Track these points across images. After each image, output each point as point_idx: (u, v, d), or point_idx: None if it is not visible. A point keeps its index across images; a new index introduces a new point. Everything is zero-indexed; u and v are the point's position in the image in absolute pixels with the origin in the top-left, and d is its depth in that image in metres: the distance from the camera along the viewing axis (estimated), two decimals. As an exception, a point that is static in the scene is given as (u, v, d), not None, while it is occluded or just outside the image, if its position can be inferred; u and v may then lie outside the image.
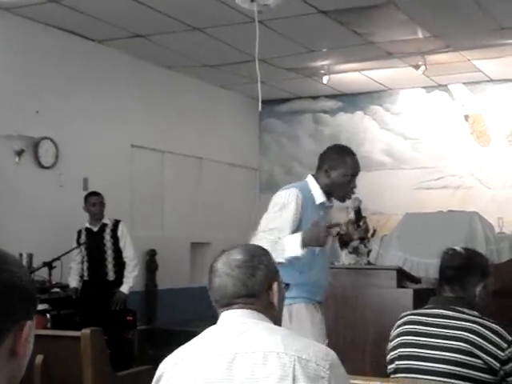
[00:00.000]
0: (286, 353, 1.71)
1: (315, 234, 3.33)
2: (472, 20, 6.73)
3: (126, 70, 7.95)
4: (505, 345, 2.41)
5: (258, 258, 1.96)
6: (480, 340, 2.41)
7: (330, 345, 3.37)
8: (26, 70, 6.71)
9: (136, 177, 8.05)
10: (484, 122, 9.14)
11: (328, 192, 3.57)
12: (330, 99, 9.99)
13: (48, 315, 5.61)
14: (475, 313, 2.52)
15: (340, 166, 3.56)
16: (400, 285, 4.95)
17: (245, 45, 6.99)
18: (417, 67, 8.22)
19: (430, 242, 5.28)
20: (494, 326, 2.46)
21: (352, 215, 3.79)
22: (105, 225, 6.34)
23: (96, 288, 6.25)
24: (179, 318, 8.05)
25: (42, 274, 5.78)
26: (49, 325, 5.56)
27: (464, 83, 9.15)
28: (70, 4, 6.28)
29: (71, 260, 6.26)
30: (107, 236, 6.32)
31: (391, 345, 2.64)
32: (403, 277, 5.07)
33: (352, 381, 1.92)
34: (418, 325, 2.57)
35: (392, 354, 2.61)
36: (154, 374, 1.90)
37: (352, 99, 9.84)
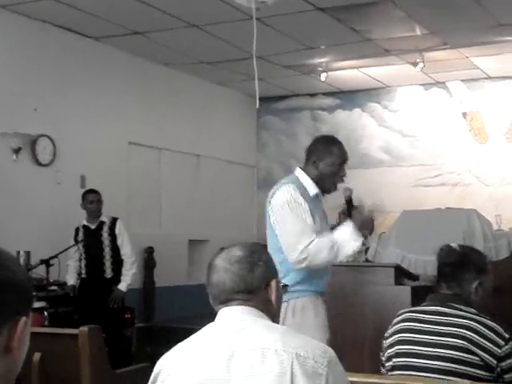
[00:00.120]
0: (285, 350, 1.72)
1: (363, 220, 3.41)
2: (470, 17, 6.73)
3: (124, 67, 7.94)
4: (502, 342, 2.41)
5: (258, 255, 1.96)
6: (477, 337, 2.41)
7: (329, 341, 3.38)
8: (23, 67, 6.69)
9: (133, 174, 8.04)
10: (482, 120, 9.14)
11: (318, 183, 3.56)
12: (328, 96, 9.99)
13: (46, 313, 5.61)
14: (472, 310, 2.52)
15: (327, 156, 3.56)
16: (398, 282, 4.95)
17: (242, 42, 6.99)
18: (415, 64, 8.22)
19: (427, 240, 5.28)
20: (491, 323, 2.46)
21: (344, 206, 3.78)
22: (102, 222, 6.33)
23: (94, 286, 6.24)
24: (177, 315, 8.05)
25: (40, 271, 5.77)
26: (46, 322, 5.55)
27: (462, 80, 9.16)
28: (67, 1, 6.27)
29: (69, 258, 6.26)
30: (105, 234, 6.32)
31: (388, 342, 2.63)
32: (401, 274, 5.07)
33: (350, 378, 1.92)
34: (415, 322, 2.57)
35: (389, 351, 2.61)
36: (152, 371, 1.90)
37: (350, 96, 9.84)
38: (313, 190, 3.55)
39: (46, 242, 6.27)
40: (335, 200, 3.98)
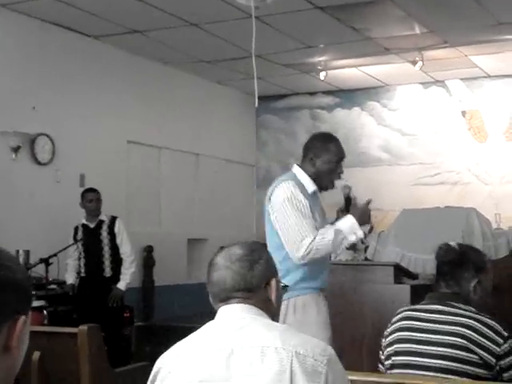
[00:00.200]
0: (284, 348, 1.72)
1: (363, 214, 3.44)
2: (469, 15, 6.73)
3: (123, 66, 7.93)
4: (501, 340, 2.41)
5: (258, 254, 1.97)
6: (476, 335, 2.41)
7: (331, 339, 3.38)
8: (22, 66, 6.69)
9: (132, 173, 8.04)
10: (481, 118, 9.14)
11: (315, 180, 3.58)
12: (327, 95, 9.99)
13: (45, 312, 5.60)
14: (471, 308, 2.52)
15: (324, 153, 3.57)
16: (397, 281, 4.96)
17: (242, 41, 6.99)
18: (414, 63, 8.22)
19: (427, 238, 5.28)
20: (490, 321, 2.46)
21: (342, 203, 3.82)
22: (102, 221, 6.33)
23: (93, 284, 6.24)
24: (176, 314, 8.05)
25: (39, 270, 5.77)
26: (46, 321, 5.55)
27: (461, 79, 9.16)
28: (67, 0, 6.26)
29: (68, 256, 6.25)
30: (104, 232, 6.31)
31: (387, 340, 2.63)
32: (400, 273, 5.07)
33: (349, 376, 1.92)
34: (414, 320, 2.57)
35: (388, 349, 2.61)
36: (151, 370, 1.90)
37: (349, 95, 9.84)
38: (311, 187, 3.56)
39: (45, 241, 6.27)
40: (333, 197, 4.00)
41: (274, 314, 1.94)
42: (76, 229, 6.30)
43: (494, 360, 2.40)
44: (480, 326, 2.43)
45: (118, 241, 6.33)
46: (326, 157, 3.56)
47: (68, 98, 7.15)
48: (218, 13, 6.59)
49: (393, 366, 2.57)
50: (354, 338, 4.66)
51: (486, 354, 2.39)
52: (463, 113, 9.24)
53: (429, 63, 8.22)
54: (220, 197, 9.43)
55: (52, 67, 7.00)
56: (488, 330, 2.42)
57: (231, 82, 9.35)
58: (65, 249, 6.01)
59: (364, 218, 3.47)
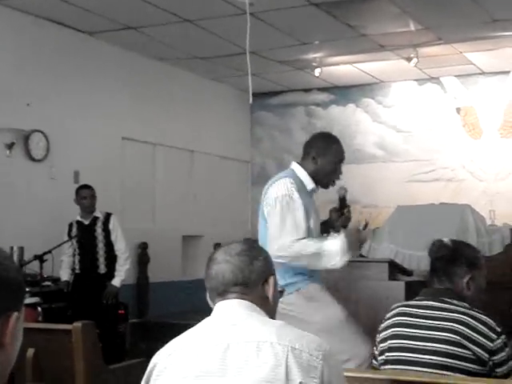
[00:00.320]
0: (280, 343, 1.73)
1: (352, 241, 3.46)
2: (464, 12, 6.73)
3: (117, 63, 7.91)
4: (494, 336, 2.42)
5: (258, 251, 2.00)
6: (469, 331, 2.42)
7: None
8: (16, 62, 6.67)
9: (127, 169, 8.02)
10: (476, 115, 9.15)
11: (315, 178, 3.63)
12: (322, 92, 9.99)
13: (39, 308, 5.59)
14: (465, 304, 2.53)
15: (327, 153, 3.64)
16: (392, 277, 4.97)
17: (236, 37, 6.97)
18: (409, 60, 8.22)
19: (421, 235, 5.29)
20: (484, 317, 2.46)
21: (337, 203, 3.86)
22: (96, 218, 6.32)
23: (87, 281, 6.23)
24: (171, 310, 8.05)
25: (34, 267, 5.76)
26: (40, 318, 5.54)
27: (456, 76, 9.16)
28: (61, -4, 6.25)
29: (62, 253, 6.24)
30: (99, 229, 6.30)
31: (381, 336, 2.64)
32: (395, 269, 5.08)
33: (344, 372, 1.92)
34: (408, 316, 2.57)
35: (382, 345, 2.62)
36: (146, 367, 1.89)
37: (344, 92, 9.84)
38: (310, 184, 3.61)
39: (40, 238, 6.25)
40: (327, 195, 4.01)
41: (270, 313, 1.95)
42: (70, 225, 6.30)
43: (487, 355, 2.40)
44: (473, 321, 2.44)
45: (113, 237, 6.32)
46: (328, 157, 3.63)
47: (62, 94, 7.13)
48: (212, 9, 6.58)
49: (386, 362, 2.58)
50: (349, 334, 4.66)
51: (479, 350, 2.40)
52: (458, 109, 9.25)
53: (424, 60, 8.22)
54: (215, 193, 9.42)
55: (46, 63, 6.98)
56: (481, 326, 2.43)
57: (226, 78, 9.34)
58: (59, 245, 6.00)
59: (355, 245, 3.50)
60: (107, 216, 6.36)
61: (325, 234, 3.70)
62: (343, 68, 8.85)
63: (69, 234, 6.25)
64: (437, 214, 6.59)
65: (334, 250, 3.42)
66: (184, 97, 8.96)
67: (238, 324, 1.81)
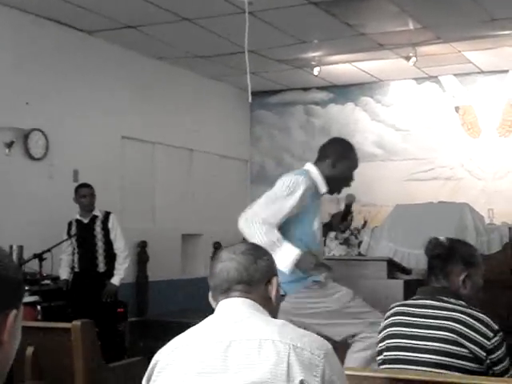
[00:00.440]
0: (281, 341, 1.74)
1: (310, 262, 3.54)
2: (463, 11, 6.74)
3: (116, 61, 7.91)
4: (491, 334, 2.42)
5: (263, 251, 2.03)
6: (465, 329, 2.42)
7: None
8: (15, 61, 6.66)
9: (126, 168, 8.03)
10: (474, 114, 9.16)
11: (329, 183, 3.69)
12: (321, 91, 9.99)
13: (39, 307, 5.60)
14: (462, 302, 2.53)
15: (346, 160, 3.72)
16: (391, 276, 4.97)
17: (235, 36, 6.97)
18: (408, 59, 8.23)
19: (420, 233, 5.29)
20: (481, 315, 2.46)
21: (342, 208, 3.93)
22: (95, 216, 6.32)
23: (87, 280, 6.24)
24: (170, 309, 8.06)
25: (33, 265, 5.76)
26: (39, 317, 5.54)
27: (455, 75, 9.17)
28: (60, -6, 6.25)
29: (62, 252, 6.25)
30: (98, 228, 6.31)
31: (379, 336, 2.65)
32: (394, 268, 5.09)
33: (343, 371, 1.93)
34: (405, 316, 2.58)
35: (380, 345, 2.63)
36: (145, 365, 1.90)
37: (343, 91, 9.84)
38: (323, 188, 3.68)
39: (39, 236, 6.25)
40: (330, 196, 4.06)
41: (272, 313, 1.96)
42: (70, 224, 6.30)
43: (484, 354, 2.40)
44: (470, 319, 2.44)
45: (112, 236, 6.32)
46: (346, 163, 3.72)
47: (62, 93, 7.13)
48: (211, 8, 6.58)
49: (384, 362, 2.58)
50: (348, 332, 4.67)
51: (475, 348, 2.40)
52: (456, 108, 9.25)
53: (422, 59, 8.23)
54: (214, 192, 9.43)
55: (45, 62, 6.98)
56: (478, 324, 2.43)
57: (225, 77, 9.34)
58: (58, 244, 6.00)
59: (307, 266, 3.55)
60: (106, 215, 6.37)
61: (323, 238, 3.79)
62: (342, 67, 8.85)
63: (68, 233, 6.25)
64: (435, 212, 6.59)
65: (285, 253, 3.46)
66: (183, 96, 8.96)
67: (241, 322, 1.83)
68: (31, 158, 6.76)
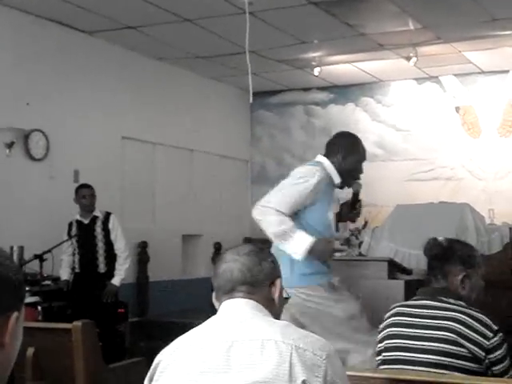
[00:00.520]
0: (284, 341, 1.74)
1: (325, 249, 3.59)
2: (463, 11, 6.74)
3: (117, 62, 7.91)
4: (490, 334, 2.42)
5: (267, 253, 2.04)
6: (464, 329, 2.42)
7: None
8: (16, 61, 6.67)
9: (127, 169, 8.03)
10: (475, 114, 9.16)
11: (342, 175, 3.77)
12: (322, 91, 9.99)
13: (39, 308, 5.60)
14: (461, 303, 2.53)
15: (355, 152, 3.81)
16: (391, 276, 4.98)
17: (236, 36, 6.98)
18: (408, 59, 8.22)
19: (421, 234, 5.28)
20: (480, 315, 2.46)
21: (350, 197, 4.00)
22: (96, 217, 6.32)
23: (87, 280, 6.23)
24: (171, 309, 8.05)
25: (33, 266, 5.76)
26: (40, 317, 5.54)
27: (455, 75, 9.17)
28: (60, -5, 6.25)
29: (62, 252, 6.24)
30: (98, 228, 6.31)
31: (379, 336, 2.65)
32: (394, 268, 5.09)
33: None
34: (404, 316, 2.58)
35: (379, 345, 2.63)
36: (146, 365, 1.91)
37: (343, 91, 9.84)
38: (337, 179, 3.76)
39: (40, 237, 6.26)
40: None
41: (275, 314, 1.97)
42: (70, 225, 6.30)
43: (483, 353, 2.40)
44: (469, 319, 2.44)
45: (113, 237, 6.32)
46: (356, 156, 3.82)
47: (62, 93, 7.13)
48: (212, 8, 6.58)
49: (384, 362, 2.58)
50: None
51: (474, 348, 2.40)
52: (457, 108, 9.25)
53: (423, 59, 8.22)
54: (214, 192, 9.43)
55: (46, 63, 6.98)
56: (477, 324, 2.43)
57: (225, 77, 9.34)
58: (59, 245, 6.00)
59: (323, 255, 3.60)
60: (107, 215, 6.37)
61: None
62: (342, 67, 8.85)
63: (68, 234, 6.25)
64: (436, 212, 6.59)
65: (298, 241, 3.51)
66: (184, 96, 8.96)
67: (243, 322, 1.83)
68: (32, 158, 6.76)
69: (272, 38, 7.52)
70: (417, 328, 2.51)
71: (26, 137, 6.68)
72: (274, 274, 1.99)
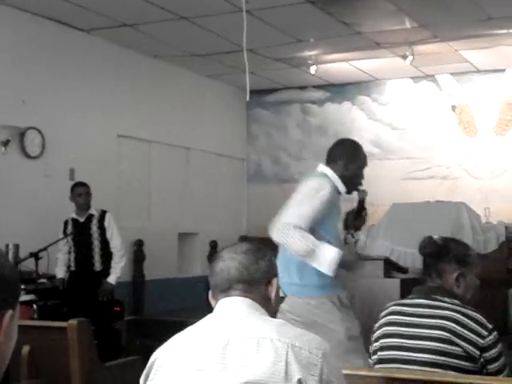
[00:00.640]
0: (280, 339, 1.74)
1: (352, 260, 3.67)
2: (460, 10, 6.74)
3: (113, 60, 7.90)
4: (485, 332, 2.42)
5: (264, 251, 2.03)
6: (459, 328, 2.42)
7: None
8: (12, 59, 6.65)
9: (123, 167, 8.02)
10: (471, 113, 9.17)
11: (345, 183, 3.76)
12: (318, 89, 9.99)
13: (35, 306, 5.59)
14: (456, 301, 2.53)
15: (357, 159, 3.79)
16: (387, 275, 4.99)
17: (232, 34, 6.97)
18: (404, 57, 8.23)
19: (417, 232, 5.29)
20: (475, 314, 2.46)
21: (355, 205, 4.01)
22: (91, 215, 6.31)
23: (83, 278, 6.23)
24: (166, 308, 8.05)
25: (29, 264, 5.75)
26: (35, 316, 5.53)
27: (451, 74, 9.17)
28: (56, -7, 6.24)
29: (58, 251, 6.24)
30: (94, 226, 6.30)
31: (375, 336, 2.65)
32: (390, 267, 5.10)
33: (339, 371, 1.93)
34: (399, 315, 2.58)
35: (375, 344, 2.63)
36: (141, 364, 1.91)
37: (340, 89, 9.84)
38: (342, 188, 3.74)
39: (35, 235, 6.25)
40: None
41: (271, 313, 1.97)
42: (66, 223, 6.29)
43: (477, 352, 2.40)
44: (463, 318, 2.44)
45: (108, 235, 6.32)
46: (358, 163, 3.80)
47: (58, 91, 7.12)
48: (208, 6, 6.57)
49: (379, 361, 2.58)
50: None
51: (469, 347, 2.40)
52: (453, 107, 9.26)
53: (419, 58, 8.23)
54: (210, 191, 9.42)
55: (42, 61, 6.97)
56: (471, 323, 2.43)
57: (222, 75, 9.34)
58: (55, 243, 6.00)
59: (351, 266, 3.63)
60: (102, 213, 6.36)
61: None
62: (339, 66, 8.85)
63: (64, 232, 6.24)
64: (432, 211, 6.61)
65: (327, 256, 3.46)
66: (180, 94, 8.95)
67: (240, 320, 1.83)
68: (27, 156, 6.74)
69: (269, 37, 7.51)
70: (412, 327, 2.51)
71: (22, 135, 6.67)
72: (271, 272, 1.99)
